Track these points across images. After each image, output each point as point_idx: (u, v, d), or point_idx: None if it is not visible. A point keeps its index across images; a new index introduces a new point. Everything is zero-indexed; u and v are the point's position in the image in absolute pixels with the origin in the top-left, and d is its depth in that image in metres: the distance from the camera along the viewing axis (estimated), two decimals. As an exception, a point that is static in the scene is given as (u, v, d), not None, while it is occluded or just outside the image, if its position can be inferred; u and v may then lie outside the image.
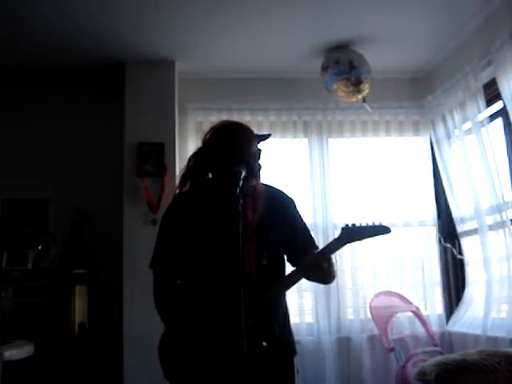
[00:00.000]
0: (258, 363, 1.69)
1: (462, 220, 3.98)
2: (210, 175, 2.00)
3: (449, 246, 4.20)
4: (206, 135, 2.00)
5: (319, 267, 1.84)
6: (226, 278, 1.73)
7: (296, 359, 1.94)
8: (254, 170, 1.89)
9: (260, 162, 1.95)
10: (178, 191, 2.01)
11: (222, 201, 1.81)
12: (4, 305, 3.54)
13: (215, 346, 1.79)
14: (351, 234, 1.88)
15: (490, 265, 3.58)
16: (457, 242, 4.11)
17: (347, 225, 1.89)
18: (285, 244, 1.97)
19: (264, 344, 1.75)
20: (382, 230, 1.89)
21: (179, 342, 1.86)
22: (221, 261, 1.80)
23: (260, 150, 1.95)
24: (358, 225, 1.88)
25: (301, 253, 1.96)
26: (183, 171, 2.01)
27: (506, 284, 3.42)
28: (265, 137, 1.99)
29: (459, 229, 4.03)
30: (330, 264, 1.92)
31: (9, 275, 3.70)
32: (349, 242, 1.89)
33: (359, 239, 1.90)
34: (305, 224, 2.07)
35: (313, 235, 2.09)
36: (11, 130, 4.23)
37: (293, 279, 1.90)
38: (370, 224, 1.88)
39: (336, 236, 1.92)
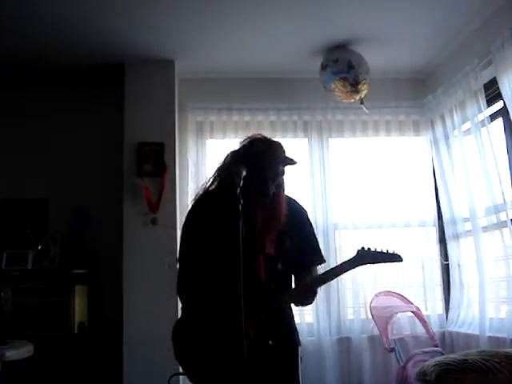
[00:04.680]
0: (263, 357, 1.83)
1: (457, 221, 4.00)
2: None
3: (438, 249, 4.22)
4: (248, 141, 2.14)
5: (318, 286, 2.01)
6: (239, 278, 1.80)
7: (300, 348, 2.09)
8: (281, 186, 2.07)
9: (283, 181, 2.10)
10: (207, 186, 2.13)
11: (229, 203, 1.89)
12: (4, 305, 3.53)
13: (224, 340, 1.89)
14: (365, 257, 2.00)
15: (483, 266, 3.59)
16: (456, 243, 4.11)
17: (363, 248, 2.00)
18: (295, 253, 2.10)
19: (270, 342, 1.87)
20: (394, 257, 2.01)
21: (192, 329, 1.99)
22: (236, 261, 1.87)
23: (283, 172, 2.10)
24: (373, 249, 1.99)
25: (307, 264, 2.11)
26: (219, 167, 2.13)
27: (504, 284, 3.42)
28: (292, 162, 2.11)
29: (453, 230, 4.04)
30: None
31: (9, 275, 3.69)
32: (361, 265, 2.01)
33: (371, 263, 2.03)
34: (316, 237, 2.21)
35: (322, 249, 2.21)
36: (11, 130, 4.23)
37: (300, 291, 2.05)
38: (385, 251, 2.00)
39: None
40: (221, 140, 4.25)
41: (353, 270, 2.02)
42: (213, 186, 2.12)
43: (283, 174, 2.09)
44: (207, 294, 1.99)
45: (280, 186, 2.07)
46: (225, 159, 2.13)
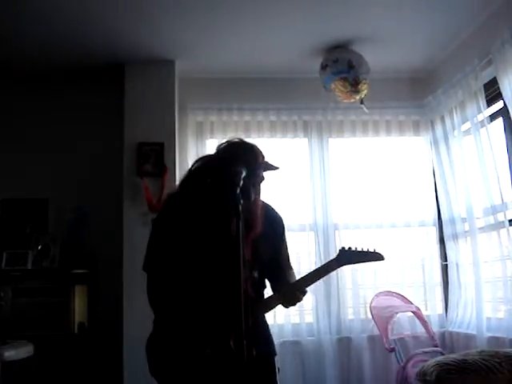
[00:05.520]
0: (243, 369, 1.72)
1: (455, 221, 4.00)
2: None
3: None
4: (221, 145, 2.06)
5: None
6: (222, 284, 1.76)
7: (277, 359, 2.05)
8: (259, 193, 1.98)
9: (260, 187, 2.01)
10: (172, 193, 2.05)
11: (221, 202, 1.83)
12: (4, 305, 3.53)
13: (207, 352, 1.84)
14: (348, 257, 2.02)
15: (480, 266, 3.62)
16: (454, 243, 4.10)
17: (344, 247, 2.03)
18: (270, 259, 2.07)
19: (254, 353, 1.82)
20: (376, 256, 2.05)
21: (170, 341, 1.90)
22: (218, 264, 1.83)
23: (263, 178, 2.00)
24: (353, 249, 2.02)
25: (281, 270, 2.09)
26: (186, 175, 2.05)
27: (502, 285, 3.43)
28: (273, 167, 2.02)
29: (452, 230, 4.05)
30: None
31: (8, 275, 3.69)
32: (345, 264, 2.05)
33: (355, 262, 2.07)
34: (287, 245, 2.18)
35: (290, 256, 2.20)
36: (11, 130, 4.22)
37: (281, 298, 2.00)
38: (365, 250, 2.02)
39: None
40: (221, 140, 4.23)
41: (337, 270, 2.06)
42: (183, 192, 2.02)
43: (263, 180, 2.00)
44: (189, 305, 1.89)
45: (258, 193, 1.99)
46: (193, 164, 2.05)
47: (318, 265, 4.10)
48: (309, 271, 2.05)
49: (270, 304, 2.02)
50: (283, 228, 2.16)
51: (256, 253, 1.96)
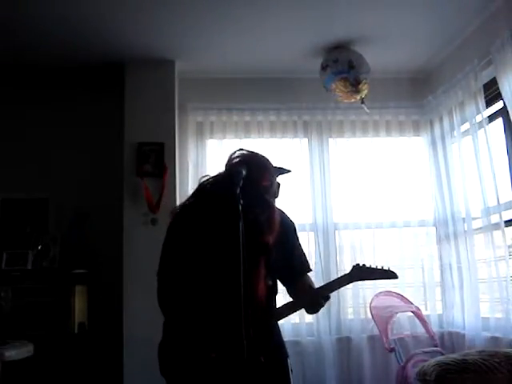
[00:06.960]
0: (255, 374, 1.76)
1: (451, 222, 4.02)
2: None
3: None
4: (231, 159, 2.05)
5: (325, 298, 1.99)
6: (231, 289, 1.75)
7: (289, 360, 2.08)
8: (272, 200, 2.01)
9: (277, 193, 2.06)
10: (184, 204, 2.10)
11: (224, 206, 1.83)
12: (4, 305, 3.53)
13: (218, 355, 1.85)
14: (361, 273, 2.04)
15: (476, 267, 3.63)
16: (449, 243, 4.10)
17: (358, 264, 2.04)
18: (282, 265, 2.08)
19: (262, 359, 1.85)
20: (389, 274, 2.05)
21: (179, 344, 1.92)
22: (226, 269, 1.83)
23: (279, 184, 2.05)
24: (368, 266, 2.03)
25: (296, 275, 2.11)
26: (197, 188, 2.10)
27: (502, 285, 3.42)
28: (286, 171, 2.08)
29: (446, 231, 4.07)
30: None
31: (8, 275, 3.69)
32: (357, 280, 2.06)
33: (367, 279, 2.10)
34: (301, 248, 2.19)
35: (308, 259, 2.22)
36: (11, 130, 4.22)
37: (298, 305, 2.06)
38: (379, 267, 2.03)
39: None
40: (221, 140, 4.25)
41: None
42: (194, 203, 2.06)
43: (279, 187, 2.05)
44: (198, 309, 1.92)
45: (275, 200, 2.04)
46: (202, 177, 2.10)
47: (318, 265, 4.14)
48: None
49: (285, 311, 2.04)
50: (295, 233, 2.19)
51: (269, 260, 1.98)
